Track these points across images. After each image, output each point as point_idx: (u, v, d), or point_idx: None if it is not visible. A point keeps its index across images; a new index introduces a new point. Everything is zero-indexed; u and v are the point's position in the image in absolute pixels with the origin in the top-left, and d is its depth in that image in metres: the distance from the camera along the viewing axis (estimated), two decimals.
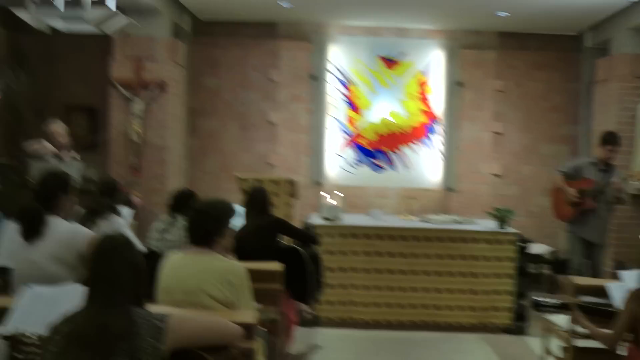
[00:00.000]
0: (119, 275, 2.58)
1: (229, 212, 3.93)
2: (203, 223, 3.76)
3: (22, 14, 6.42)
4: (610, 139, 7.11)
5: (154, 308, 2.77)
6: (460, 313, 7.06)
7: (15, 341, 2.99)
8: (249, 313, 3.60)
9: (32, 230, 4.09)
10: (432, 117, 9.94)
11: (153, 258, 4.01)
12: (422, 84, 9.92)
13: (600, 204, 7.04)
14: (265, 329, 4.48)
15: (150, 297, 3.50)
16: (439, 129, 9.94)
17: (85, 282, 3.38)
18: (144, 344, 2.50)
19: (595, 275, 7.07)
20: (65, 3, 6.39)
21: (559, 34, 9.82)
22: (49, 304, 3.28)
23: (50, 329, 2.60)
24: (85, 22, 6.24)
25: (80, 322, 2.52)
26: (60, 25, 6.57)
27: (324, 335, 6.80)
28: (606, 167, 7.07)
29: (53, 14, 6.24)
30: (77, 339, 2.48)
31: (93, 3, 6.31)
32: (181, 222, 5.57)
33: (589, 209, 7.04)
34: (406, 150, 9.97)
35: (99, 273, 2.60)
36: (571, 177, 7.23)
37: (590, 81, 9.43)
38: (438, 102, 9.96)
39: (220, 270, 3.67)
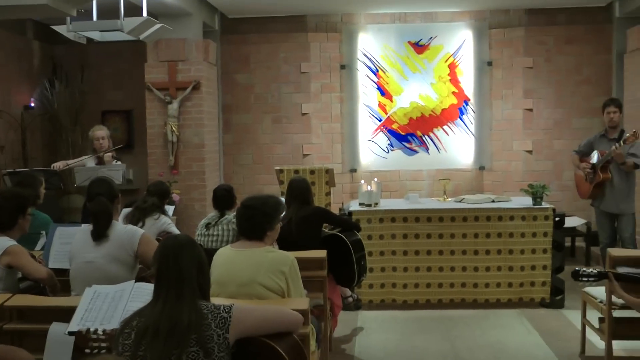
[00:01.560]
0: (185, 272, 2.77)
1: (280, 207, 4.16)
2: (255, 218, 3.96)
3: (59, 29, 6.67)
4: (607, 102, 7.27)
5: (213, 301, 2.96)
6: (498, 290, 7.16)
7: (81, 337, 3.17)
8: (302, 300, 3.81)
9: (102, 231, 4.35)
10: (463, 98, 10.06)
11: None
12: (452, 66, 10.04)
13: (614, 174, 7.09)
14: (313, 315, 4.69)
15: None
16: (470, 109, 10.04)
17: (141, 279, 3.62)
18: (212, 334, 2.69)
19: (625, 246, 7.14)
20: (99, 14, 6.63)
21: (587, 6, 9.79)
22: (110, 302, 3.52)
23: (121, 324, 2.82)
24: (119, 31, 6.44)
25: (152, 316, 2.72)
26: (96, 35, 6.81)
27: (367, 317, 6.95)
28: (619, 135, 7.10)
29: (89, 27, 6.47)
30: (149, 332, 2.67)
31: (126, 12, 6.52)
32: (227, 218, 5.78)
33: (604, 181, 7.12)
34: (438, 132, 10.10)
35: (167, 270, 2.79)
36: (586, 154, 7.33)
37: (621, 52, 9.39)
38: (468, 83, 10.08)
39: (272, 261, 3.88)
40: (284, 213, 4.60)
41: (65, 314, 3.49)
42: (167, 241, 2.91)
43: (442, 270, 7.18)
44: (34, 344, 3.59)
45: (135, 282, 3.70)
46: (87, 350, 3.13)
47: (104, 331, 3.18)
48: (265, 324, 2.91)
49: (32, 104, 10.02)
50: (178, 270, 2.77)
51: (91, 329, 3.19)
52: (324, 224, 6.02)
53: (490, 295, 7.19)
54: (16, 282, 4.44)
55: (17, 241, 4.52)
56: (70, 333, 3.30)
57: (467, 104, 10.04)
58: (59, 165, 7.46)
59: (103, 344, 3.13)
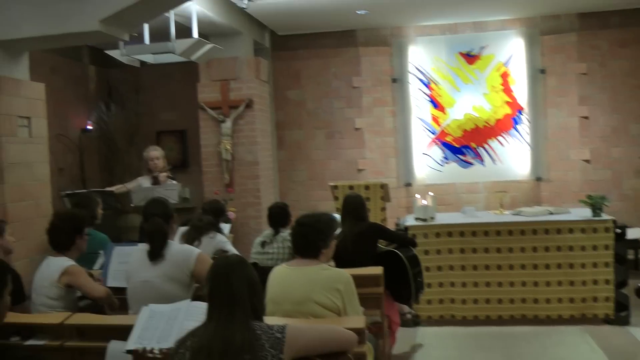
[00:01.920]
0: (236, 292, 2.75)
1: (334, 224, 4.13)
2: (309, 235, 3.94)
3: (113, 53, 6.80)
4: None
5: (265, 320, 2.95)
6: (559, 305, 6.97)
7: (138, 355, 3.22)
8: (358, 318, 3.75)
9: (157, 251, 4.39)
10: (516, 108, 9.90)
11: (256, 271, 4.22)
12: (504, 75, 9.90)
13: None
14: (370, 332, 4.64)
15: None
16: (524, 119, 9.88)
17: (197, 298, 3.63)
18: (266, 355, 2.67)
19: None
20: (152, 37, 6.74)
21: None
22: (167, 321, 3.54)
23: (176, 343, 2.82)
24: (171, 53, 6.53)
25: (205, 336, 2.71)
26: (149, 58, 6.92)
27: (426, 334, 6.86)
28: None
29: (142, 50, 6.57)
30: (203, 352, 2.67)
31: (177, 34, 6.61)
32: (282, 235, 5.76)
33: None
34: (493, 143, 9.96)
35: (219, 291, 2.77)
36: None
37: None
38: (521, 91, 9.90)
39: (328, 279, 3.83)
40: (338, 230, 4.56)
41: (123, 332, 3.53)
42: (218, 261, 2.90)
43: (501, 285, 7.04)
44: None
45: (192, 300, 3.70)
46: None
47: (160, 350, 3.22)
48: (319, 344, 2.89)
49: (89, 127, 10.22)
50: (229, 290, 2.76)
51: (147, 348, 3.23)
52: (380, 240, 5.97)
53: (551, 312, 7.01)
54: (75, 300, 4.51)
55: (75, 261, 4.60)
56: (128, 351, 3.34)
57: (521, 114, 9.88)
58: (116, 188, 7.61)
59: None
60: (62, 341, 3.77)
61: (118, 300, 4.61)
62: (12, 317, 3.91)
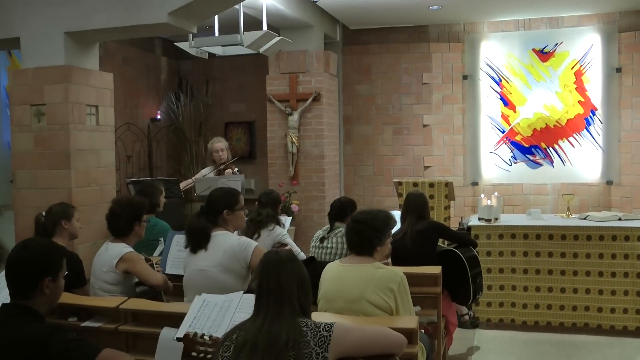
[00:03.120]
0: (285, 288, 2.75)
1: (390, 222, 4.06)
2: (364, 233, 3.89)
3: (183, 45, 6.89)
4: None
5: (317, 316, 2.93)
6: (624, 316, 6.74)
7: (188, 340, 3.23)
8: (410, 318, 3.69)
9: (197, 244, 4.45)
10: (589, 108, 9.60)
11: (313, 265, 4.21)
12: (578, 74, 9.61)
13: None
14: (426, 332, 4.59)
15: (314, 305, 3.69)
16: (597, 119, 9.59)
17: (252, 291, 3.66)
18: (310, 352, 2.65)
19: None
20: (221, 29, 6.80)
21: None
22: (219, 311, 3.56)
23: (223, 336, 2.84)
24: (240, 45, 6.58)
25: (251, 331, 2.71)
26: (217, 50, 6.99)
27: (484, 336, 6.76)
28: None
29: (210, 42, 6.65)
30: (248, 346, 2.67)
31: (248, 26, 6.66)
32: (340, 230, 5.76)
33: None
34: (563, 144, 9.70)
35: (267, 286, 2.77)
36: None
37: None
38: (595, 91, 9.59)
39: (381, 278, 3.78)
40: (395, 228, 4.52)
41: (176, 319, 3.58)
42: (268, 256, 2.89)
43: (564, 291, 6.87)
44: (146, 346, 3.71)
45: (245, 292, 3.72)
46: (194, 354, 3.19)
47: (210, 337, 3.23)
48: (366, 345, 2.85)
49: (159, 117, 10.44)
50: (278, 286, 2.75)
51: (199, 333, 3.25)
52: (440, 239, 5.90)
53: (616, 322, 6.78)
54: (133, 286, 4.60)
55: (136, 247, 4.69)
56: (178, 339, 3.37)
57: (594, 114, 9.59)
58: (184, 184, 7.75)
59: (209, 349, 3.18)
60: (117, 324, 3.86)
61: (176, 287, 4.69)
62: (71, 299, 4.05)
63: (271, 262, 2.83)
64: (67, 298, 3.85)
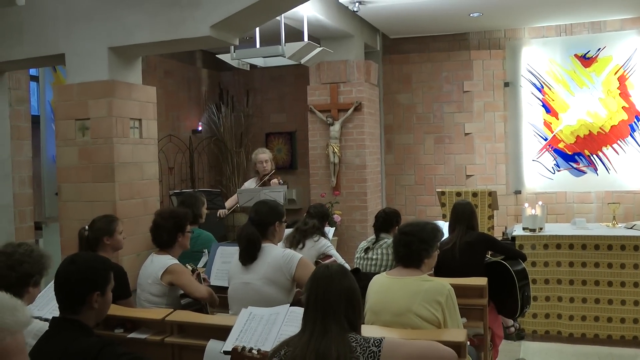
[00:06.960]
0: (333, 304, 2.71)
1: (437, 234, 4.01)
2: (412, 245, 3.85)
3: (225, 57, 6.93)
4: None
5: (364, 329, 2.90)
6: None
7: (236, 354, 3.21)
8: (459, 332, 3.64)
9: (249, 255, 4.42)
10: (634, 114, 9.41)
11: (358, 276, 4.18)
12: (622, 79, 9.44)
13: None
14: (472, 344, 4.53)
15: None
16: None
17: (296, 303, 3.63)
18: None
19: None
20: (262, 40, 6.83)
21: None
22: (265, 324, 3.55)
23: (271, 351, 2.82)
24: (281, 57, 6.59)
25: (299, 347, 2.69)
26: (259, 62, 7.01)
27: (530, 349, 6.66)
28: None
29: (252, 54, 6.67)
30: None
31: (288, 37, 6.67)
32: (385, 242, 5.72)
33: None
34: (607, 151, 9.53)
35: (315, 302, 2.74)
36: None
37: None
38: None
39: (429, 290, 3.73)
40: (442, 239, 4.47)
41: (222, 332, 3.59)
42: (318, 271, 2.86)
43: (612, 303, 6.75)
44: (192, 358, 3.71)
45: (291, 305, 3.71)
46: None
47: (258, 350, 3.21)
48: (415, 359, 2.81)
49: (200, 128, 10.52)
50: (326, 302, 2.72)
51: (247, 347, 3.24)
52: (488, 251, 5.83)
53: None
54: (178, 298, 4.61)
55: (181, 259, 4.70)
56: (225, 352, 3.36)
57: (638, 120, 9.39)
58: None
59: None
60: (164, 336, 3.87)
61: (220, 299, 4.70)
62: (117, 310, 4.07)
63: (321, 277, 2.80)
64: (113, 309, 3.83)
